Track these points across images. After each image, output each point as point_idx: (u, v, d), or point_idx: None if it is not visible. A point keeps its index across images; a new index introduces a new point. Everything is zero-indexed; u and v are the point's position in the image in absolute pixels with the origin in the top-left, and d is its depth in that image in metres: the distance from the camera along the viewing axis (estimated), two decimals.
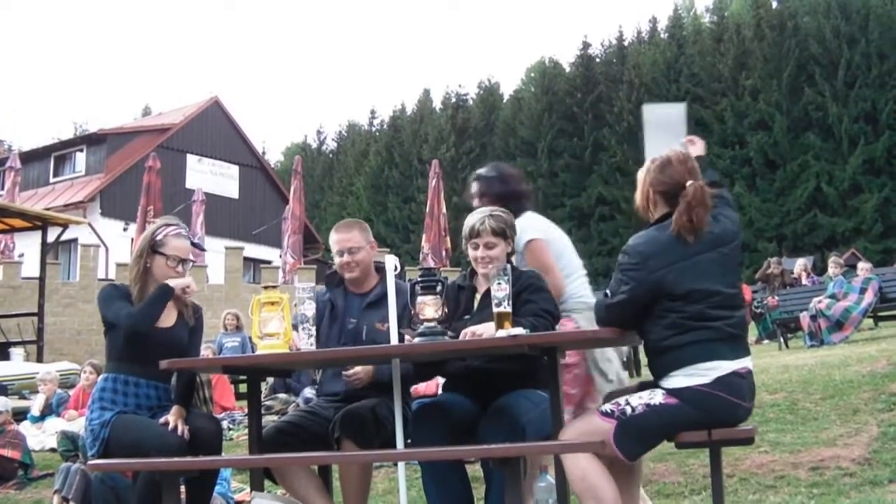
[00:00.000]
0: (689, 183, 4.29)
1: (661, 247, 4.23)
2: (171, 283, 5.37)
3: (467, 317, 5.11)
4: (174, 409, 5.30)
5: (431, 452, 4.78)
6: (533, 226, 5.77)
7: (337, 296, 5.60)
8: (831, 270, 15.90)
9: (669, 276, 4.16)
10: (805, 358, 10.19)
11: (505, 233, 5.16)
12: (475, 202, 5.90)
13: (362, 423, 4.96)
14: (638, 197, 4.49)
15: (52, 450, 10.00)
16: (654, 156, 4.84)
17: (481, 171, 6.20)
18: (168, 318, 5.40)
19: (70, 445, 9.10)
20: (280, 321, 4.95)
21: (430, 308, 4.59)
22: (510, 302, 4.48)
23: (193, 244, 5.72)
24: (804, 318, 13.84)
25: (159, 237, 5.47)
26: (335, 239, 5.64)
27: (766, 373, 8.72)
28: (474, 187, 6.01)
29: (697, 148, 4.86)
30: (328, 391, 5.61)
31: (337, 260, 5.66)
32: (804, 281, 17.53)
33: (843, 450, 6.01)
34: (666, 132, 4.96)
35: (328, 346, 5.46)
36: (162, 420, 5.21)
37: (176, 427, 5.07)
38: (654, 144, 4.93)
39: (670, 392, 4.16)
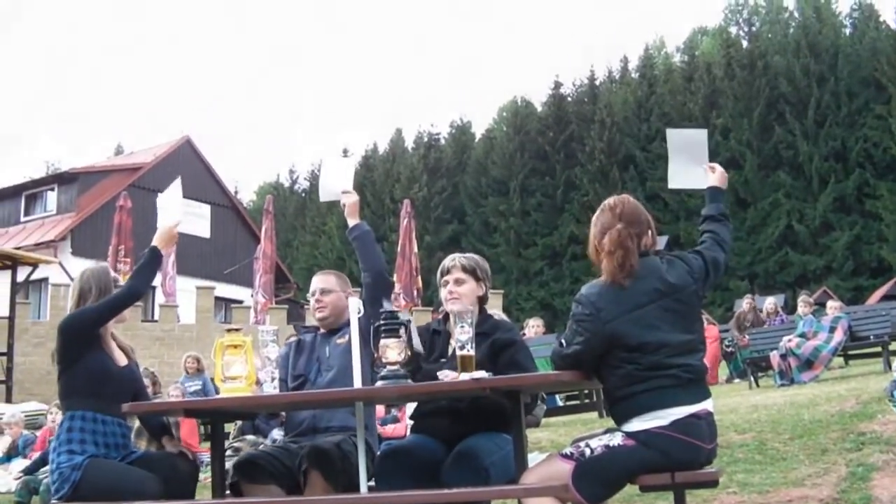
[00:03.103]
0: (610, 230, 4.31)
1: (613, 297, 4.21)
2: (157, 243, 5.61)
3: (443, 360, 5.13)
4: (165, 439, 5.53)
5: (395, 497, 4.73)
6: None
7: (310, 338, 5.80)
8: (801, 309, 15.95)
9: (622, 327, 4.14)
10: (775, 397, 10.19)
11: (475, 272, 5.22)
12: None
13: (329, 457, 4.94)
14: (590, 247, 4.49)
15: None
16: (677, 180, 4.93)
17: None
18: (121, 358, 5.43)
19: (27, 497, 9.02)
20: (243, 364, 4.92)
21: (392, 351, 4.56)
22: (473, 345, 4.46)
23: None
24: (774, 357, 13.86)
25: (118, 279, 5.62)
26: (313, 281, 5.90)
27: (736, 412, 8.71)
28: None
29: (715, 177, 4.87)
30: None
31: (311, 301, 5.88)
32: (767, 325, 17.53)
33: (811, 490, 6.00)
34: (689, 157, 5.04)
35: (308, 377, 5.63)
36: (170, 449, 5.40)
37: (158, 470, 5.09)
38: (678, 169, 5.01)
39: (629, 435, 4.14)
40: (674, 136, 5.22)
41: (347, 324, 5.50)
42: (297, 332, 6.01)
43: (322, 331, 5.80)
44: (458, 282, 5.21)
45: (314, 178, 76.13)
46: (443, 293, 5.30)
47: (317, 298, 5.76)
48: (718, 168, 4.92)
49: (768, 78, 55.75)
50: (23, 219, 38.63)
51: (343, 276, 5.99)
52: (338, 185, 5.95)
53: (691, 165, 5.00)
